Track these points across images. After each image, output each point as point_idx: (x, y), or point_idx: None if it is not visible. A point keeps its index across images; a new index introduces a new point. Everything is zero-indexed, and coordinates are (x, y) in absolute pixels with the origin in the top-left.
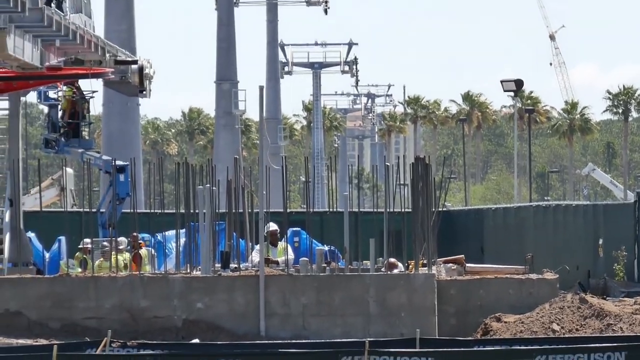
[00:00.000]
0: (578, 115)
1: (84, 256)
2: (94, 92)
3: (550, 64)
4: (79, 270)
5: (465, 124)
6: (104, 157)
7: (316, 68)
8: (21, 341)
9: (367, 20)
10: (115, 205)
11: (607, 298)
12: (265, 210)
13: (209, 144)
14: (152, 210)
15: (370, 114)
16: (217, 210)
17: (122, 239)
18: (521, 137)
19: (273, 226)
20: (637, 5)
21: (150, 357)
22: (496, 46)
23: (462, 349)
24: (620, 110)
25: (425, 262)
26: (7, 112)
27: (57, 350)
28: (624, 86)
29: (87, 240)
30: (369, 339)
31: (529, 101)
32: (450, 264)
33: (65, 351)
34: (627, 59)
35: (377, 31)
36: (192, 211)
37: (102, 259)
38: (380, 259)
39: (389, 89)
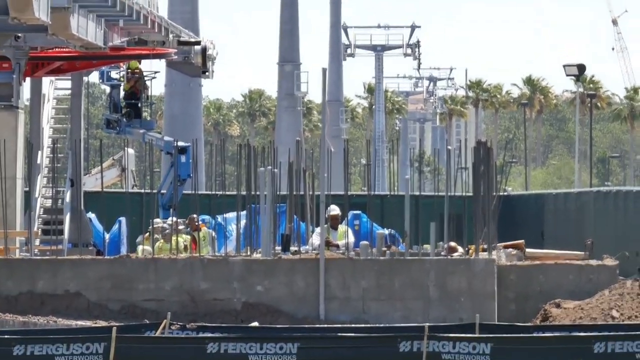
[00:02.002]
0: None
1: (153, 236)
2: (156, 72)
3: (613, 49)
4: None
5: (526, 108)
6: (166, 138)
7: (378, 51)
8: (80, 322)
9: (430, 2)
10: (177, 187)
11: None
12: (326, 192)
13: (271, 125)
14: (213, 192)
15: (432, 97)
16: (278, 193)
17: (181, 220)
18: (582, 121)
19: (334, 209)
20: None
21: (210, 340)
22: (559, 30)
23: (522, 335)
24: None
25: (485, 246)
26: (69, 91)
27: (116, 332)
28: None
29: (158, 220)
30: (428, 324)
31: (590, 85)
32: (510, 249)
33: (124, 333)
34: None
35: (440, 14)
36: (253, 193)
37: (162, 240)
38: (441, 243)
39: (450, 72)
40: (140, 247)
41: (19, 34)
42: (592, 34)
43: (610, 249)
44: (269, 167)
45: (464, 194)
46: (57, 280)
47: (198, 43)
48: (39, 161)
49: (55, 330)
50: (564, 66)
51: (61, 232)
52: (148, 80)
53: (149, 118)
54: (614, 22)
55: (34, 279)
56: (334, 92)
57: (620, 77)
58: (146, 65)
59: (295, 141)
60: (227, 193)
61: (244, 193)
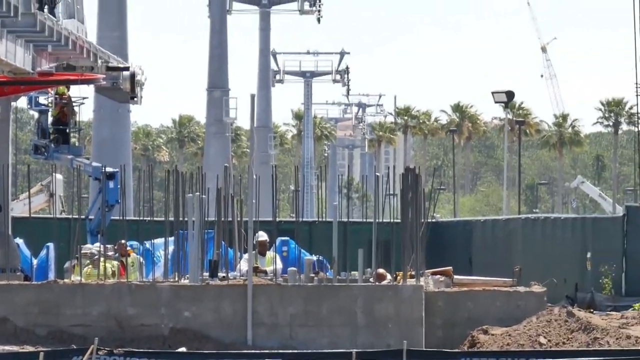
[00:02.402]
0: (569, 128)
1: (81, 262)
2: (84, 98)
3: (542, 76)
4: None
5: (455, 135)
6: (94, 164)
7: (308, 77)
8: (7, 348)
9: (359, 30)
10: (105, 212)
11: (594, 312)
12: (254, 219)
13: (199, 151)
14: (141, 218)
15: (361, 124)
16: (206, 219)
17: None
18: (511, 148)
19: (262, 235)
20: (629, 18)
21: None
22: (488, 57)
23: None
24: (611, 123)
25: (413, 273)
26: None
27: (44, 358)
28: (613, 98)
29: (87, 246)
30: (355, 350)
31: (519, 112)
32: (439, 276)
33: (51, 358)
34: (619, 72)
35: (369, 41)
36: (181, 219)
37: (91, 266)
38: (369, 269)
39: (379, 98)
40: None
41: None
42: (522, 61)
43: (538, 275)
44: (197, 193)
45: (392, 220)
46: None
47: (127, 69)
48: None
49: None
50: (493, 93)
51: None
52: (76, 105)
53: (77, 144)
54: (543, 50)
55: None
56: (262, 118)
57: (549, 104)
58: (75, 91)
59: (224, 167)
60: (156, 219)
61: (172, 219)
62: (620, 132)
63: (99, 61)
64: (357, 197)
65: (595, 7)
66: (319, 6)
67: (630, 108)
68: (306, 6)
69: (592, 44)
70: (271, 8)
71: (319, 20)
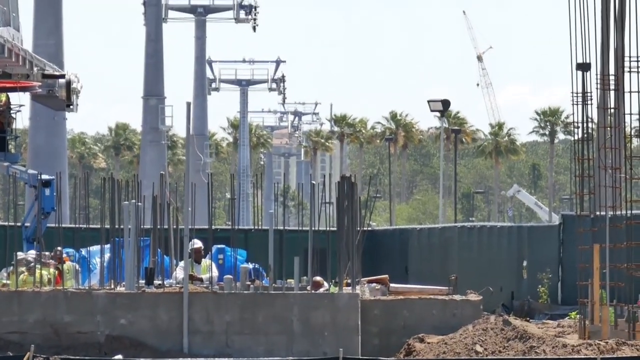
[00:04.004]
0: (505, 137)
1: (16, 269)
2: (21, 105)
3: (477, 84)
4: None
5: (391, 143)
6: (30, 171)
7: (243, 85)
8: None
9: (295, 38)
10: (40, 220)
11: (531, 320)
12: (190, 227)
13: (135, 159)
14: (77, 225)
15: (297, 132)
16: (142, 226)
17: (46, 253)
18: (447, 157)
19: (197, 243)
20: (565, 28)
21: None
22: (424, 66)
23: None
24: (547, 132)
25: (349, 281)
26: None
27: None
28: (550, 108)
29: (21, 253)
30: (291, 358)
31: (455, 121)
32: (375, 284)
33: None
34: (555, 81)
35: (305, 49)
36: (117, 226)
37: (26, 273)
38: (305, 277)
39: (315, 107)
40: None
41: None
42: (458, 70)
43: (474, 284)
44: (133, 201)
45: (328, 228)
46: None
47: (62, 76)
48: None
49: None
50: (429, 102)
51: None
52: (13, 113)
53: (13, 151)
54: (479, 59)
55: None
56: (198, 126)
57: (485, 113)
58: (12, 98)
59: (160, 175)
60: (92, 226)
61: (108, 226)
62: (556, 141)
63: (35, 69)
64: (293, 205)
65: (532, 16)
66: (255, 15)
67: (567, 117)
68: (242, 14)
69: (529, 53)
70: (207, 16)
71: (254, 29)
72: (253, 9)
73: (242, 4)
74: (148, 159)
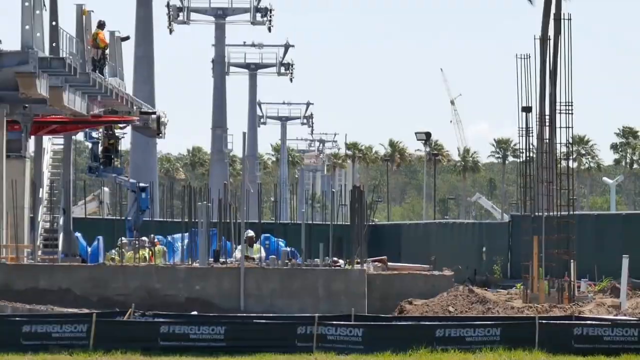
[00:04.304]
0: (470, 159)
1: (122, 250)
2: (124, 134)
3: (450, 121)
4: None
5: (388, 163)
6: (131, 180)
7: (283, 120)
8: (70, 310)
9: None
10: (139, 215)
11: (488, 289)
12: (245, 221)
13: (206, 172)
14: (165, 219)
15: (321, 154)
16: (211, 220)
17: (143, 238)
18: (429, 173)
19: (250, 232)
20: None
21: (162, 323)
22: (414, 106)
23: (385, 323)
24: (500, 156)
25: (358, 260)
26: (62, 146)
27: (96, 317)
28: (502, 138)
29: (124, 239)
30: (318, 315)
31: (435, 146)
32: (377, 263)
33: (101, 317)
34: (507, 119)
35: (330, 92)
36: (193, 220)
37: (131, 252)
38: (327, 258)
39: (335, 136)
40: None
41: (26, 105)
42: (438, 110)
43: (448, 263)
44: (205, 202)
45: (343, 223)
46: (53, 280)
47: (154, 113)
48: (40, 196)
49: (52, 315)
50: (416, 133)
51: (56, 246)
52: (119, 139)
53: (119, 166)
54: (452, 102)
55: (36, 279)
56: (251, 149)
57: (456, 142)
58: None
59: (223, 184)
60: (175, 220)
61: (186, 220)
62: (507, 162)
63: (134, 107)
64: (319, 206)
65: (491, 70)
66: (292, 70)
67: (515, 145)
68: (282, 70)
69: (488, 98)
70: (257, 71)
71: (291, 80)
72: (290, 66)
73: (290, 73)
74: (215, 172)
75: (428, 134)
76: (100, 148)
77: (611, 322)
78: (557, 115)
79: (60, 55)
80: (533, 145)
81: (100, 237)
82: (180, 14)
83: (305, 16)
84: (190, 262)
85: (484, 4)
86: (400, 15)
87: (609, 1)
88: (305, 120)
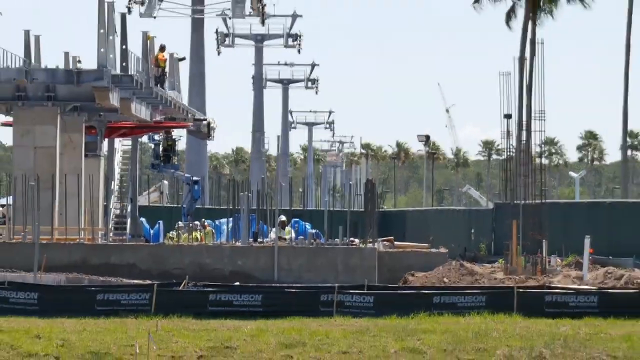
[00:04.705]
0: (461, 157)
1: (178, 232)
2: (180, 136)
3: (446, 126)
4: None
5: (395, 160)
6: (186, 175)
7: (310, 125)
8: (135, 281)
9: (341, 94)
10: (192, 203)
11: (476, 264)
12: (279, 208)
13: (247, 168)
14: (213, 207)
15: (340, 153)
16: (250, 207)
17: (196, 222)
18: (428, 168)
19: (282, 217)
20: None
21: (211, 292)
22: (417, 111)
23: (391, 291)
24: (487, 154)
25: (370, 240)
26: (130, 147)
27: (157, 287)
28: (487, 140)
29: (180, 223)
30: (337, 285)
31: (433, 146)
32: (385, 242)
33: (160, 287)
34: (493, 124)
35: (348, 101)
36: (236, 208)
37: (187, 234)
38: (345, 238)
39: (351, 138)
40: (169, 234)
41: (101, 113)
42: (436, 116)
43: (443, 242)
44: (246, 193)
45: (358, 209)
46: (122, 257)
47: (205, 120)
48: (112, 188)
49: (121, 285)
50: (418, 135)
51: (125, 229)
52: (176, 140)
53: (176, 163)
54: (447, 111)
55: (108, 256)
56: (283, 148)
57: (450, 142)
58: (175, 132)
59: (261, 178)
60: (221, 207)
61: (231, 207)
62: (491, 159)
63: (189, 115)
64: (338, 195)
65: (478, 84)
66: (317, 84)
67: (498, 145)
68: (309, 83)
69: (478, 107)
70: (289, 85)
71: (316, 92)
72: (316, 81)
73: (315, 87)
74: (255, 168)
75: (427, 137)
76: (160, 148)
77: (575, 290)
78: (533, 122)
79: (129, 73)
80: (513, 146)
81: (161, 222)
82: (227, 39)
83: (328, 38)
84: (234, 242)
85: (477, 27)
86: (405, 36)
87: (576, 23)
88: (327, 125)
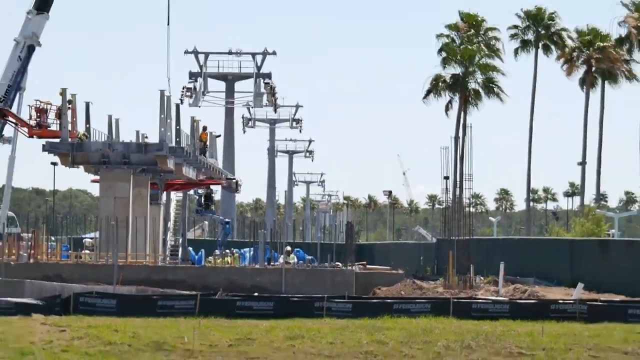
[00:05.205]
0: (414, 206)
1: (215, 257)
2: (216, 190)
3: (403, 184)
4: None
5: (367, 208)
6: (220, 217)
7: (307, 184)
8: (185, 292)
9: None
10: (224, 237)
11: (423, 281)
12: (286, 241)
13: (263, 213)
14: (239, 240)
15: (329, 202)
16: (266, 240)
17: (227, 251)
18: (390, 213)
19: (288, 247)
20: (440, 159)
21: (238, 300)
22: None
23: (364, 300)
24: (432, 204)
25: (350, 264)
26: (181, 197)
27: (200, 296)
28: (432, 194)
29: (217, 251)
30: (326, 295)
31: (394, 200)
32: (360, 265)
33: (202, 297)
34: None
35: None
36: (256, 240)
37: (221, 259)
38: (332, 263)
39: (337, 192)
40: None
41: (161, 173)
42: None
43: (401, 265)
44: (263, 230)
45: (341, 242)
46: (175, 275)
47: (234, 179)
48: (168, 226)
49: (175, 295)
50: (383, 190)
51: (177, 256)
52: (214, 193)
53: (213, 209)
54: (404, 173)
55: (166, 274)
56: (289, 200)
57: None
58: (213, 187)
59: (273, 220)
60: (245, 240)
61: (252, 240)
62: (435, 208)
63: (223, 175)
64: (327, 232)
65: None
66: (313, 154)
67: (439, 198)
68: (307, 154)
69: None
70: (293, 155)
71: (312, 159)
72: (311, 153)
73: (312, 156)
74: (269, 213)
75: (390, 191)
76: (202, 199)
77: (493, 300)
78: (464, 182)
79: (181, 145)
80: (450, 198)
81: (202, 250)
82: (249, 122)
83: (322, 120)
84: (253, 265)
85: (426, 113)
86: (374, 115)
87: (494, 111)
88: (320, 183)
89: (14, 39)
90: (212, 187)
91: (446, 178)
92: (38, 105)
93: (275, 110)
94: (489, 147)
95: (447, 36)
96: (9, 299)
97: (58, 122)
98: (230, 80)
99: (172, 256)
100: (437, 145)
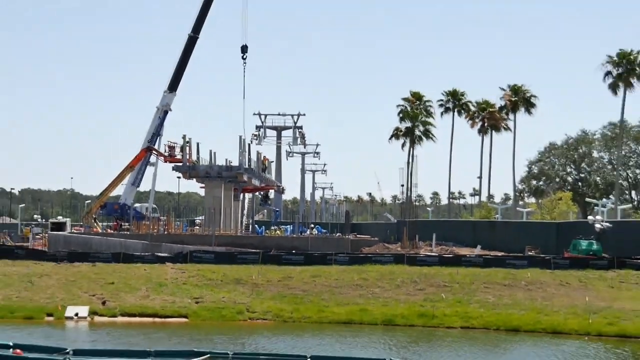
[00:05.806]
0: (384, 202)
1: (269, 230)
2: (271, 192)
3: (378, 190)
4: None
5: (357, 203)
6: (273, 207)
7: (323, 189)
8: (253, 250)
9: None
10: (276, 219)
11: (390, 245)
12: (312, 221)
13: (298, 205)
14: (284, 220)
15: (335, 199)
16: (299, 221)
17: (276, 227)
18: (370, 206)
19: (312, 225)
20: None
21: (283, 254)
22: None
23: (356, 255)
24: (394, 201)
25: (347, 234)
26: (251, 196)
27: (262, 252)
28: (395, 195)
29: (272, 227)
30: (334, 252)
31: (373, 198)
32: (353, 235)
33: (264, 252)
34: (398, 189)
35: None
36: (293, 221)
37: (274, 231)
38: (337, 234)
39: (340, 193)
40: None
41: (240, 183)
42: (373, 183)
43: (376, 236)
44: (297, 215)
45: (342, 222)
46: (248, 240)
47: (281, 186)
48: (244, 212)
49: (247, 251)
50: (367, 193)
51: (249, 230)
52: (269, 194)
53: (270, 203)
54: (378, 183)
55: (242, 240)
56: (311, 199)
57: (379, 196)
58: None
59: (303, 210)
60: (287, 221)
61: (291, 221)
62: (396, 202)
63: (275, 184)
64: (333, 216)
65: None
66: (326, 171)
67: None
68: (323, 172)
69: (394, 181)
70: (315, 173)
71: (325, 173)
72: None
73: (325, 172)
74: (301, 206)
75: (370, 193)
76: (263, 197)
77: (427, 255)
78: (412, 187)
79: (251, 167)
80: (404, 197)
81: (263, 227)
82: (290, 154)
83: (330, 143)
84: (292, 235)
85: (392, 148)
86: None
87: (432, 147)
88: (331, 188)
89: (156, 107)
90: (269, 190)
91: (402, 185)
92: (169, 144)
93: (304, 147)
94: (427, 167)
95: (403, 105)
96: (153, 253)
97: (181, 154)
98: (279, 129)
99: (246, 230)
100: (397, 167)
